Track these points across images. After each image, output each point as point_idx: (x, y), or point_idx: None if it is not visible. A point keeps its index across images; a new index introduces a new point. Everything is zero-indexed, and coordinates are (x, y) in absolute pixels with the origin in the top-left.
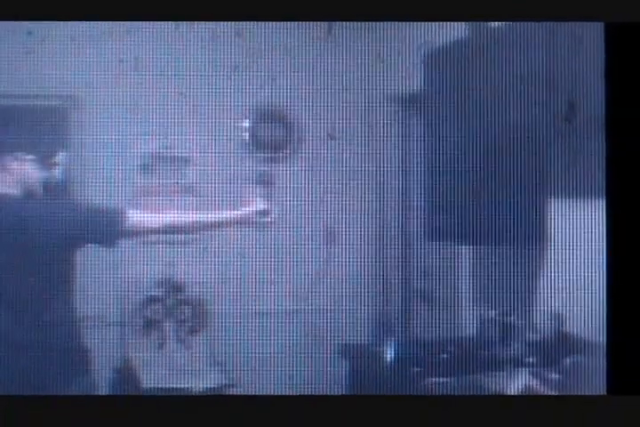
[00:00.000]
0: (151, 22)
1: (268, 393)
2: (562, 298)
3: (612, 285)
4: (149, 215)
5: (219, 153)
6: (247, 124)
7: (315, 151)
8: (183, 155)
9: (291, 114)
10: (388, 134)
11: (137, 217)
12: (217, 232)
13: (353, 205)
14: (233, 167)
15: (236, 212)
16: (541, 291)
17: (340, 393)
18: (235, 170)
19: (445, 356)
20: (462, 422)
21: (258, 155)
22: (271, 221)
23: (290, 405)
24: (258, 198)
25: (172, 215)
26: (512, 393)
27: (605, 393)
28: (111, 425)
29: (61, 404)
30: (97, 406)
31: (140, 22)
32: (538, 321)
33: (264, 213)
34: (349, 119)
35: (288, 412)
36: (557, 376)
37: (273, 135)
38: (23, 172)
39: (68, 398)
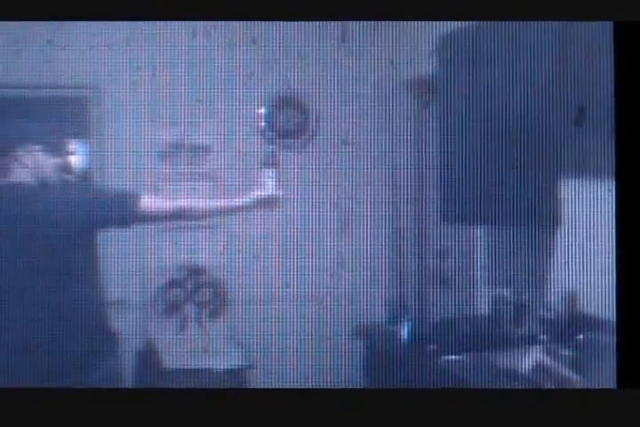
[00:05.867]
0: (169, 30)
1: (287, 373)
2: (574, 277)
3: (622, 265)
4: (169, 201)
5: (237, 142)
6: (263, 112)
7: (330, 137)
8: (202, 143)
9: (306, 102)
10: (402, 119)
11: (156, 203)
12: (237, 217)
13: (368, 189)
14: (250, 155)
15: (252, 196)
16: (554, 270)
17: (357, 372)
18: (252, 157)
19: (460, 334)
20: (470, 415)
21: (274, 142)
22: (287, 207)
23: (300, 398)
24: (275, 184)
25: (190, 201)
26: (525, 370)
27: (615, 385)
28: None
29: (73, 396)
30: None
31: (158, 30)
32: (550, 300)
33: (280, 199)
34: (362, 105)
35: (298, 404)
36: (569, 353)
37: (289, 123)
38: (45, 161)
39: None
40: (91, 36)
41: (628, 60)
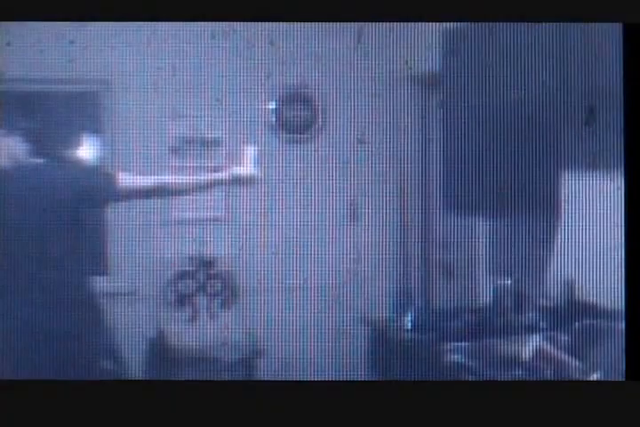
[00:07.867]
0: (188, 32)
1: (295, 362)
2: (574, 267)
3: (632, 258)
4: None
5: (248, 137)
6: (273, 107)
7: (343, 134)
8: (216, 140)
9: (315, 97)
10: (408, 113)
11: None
12: (246, 210)
13: (374, 182)
14: (261, 149)
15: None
16: (554, 261)
17: (363, 360)
18: (262, 151)
19: (462, 322)
20: (476, 408)
21: (284, 137)
22: (294, 200)
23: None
24: (282, 177)
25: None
26: (525, 357)
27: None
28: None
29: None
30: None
31: (177, 33)
32: (550, 289)
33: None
34: (372, 103)
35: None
36: (568, 340)
37: (298, 118)
38: (64, 150)
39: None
40: (111, 37)
41: (636, 61)
